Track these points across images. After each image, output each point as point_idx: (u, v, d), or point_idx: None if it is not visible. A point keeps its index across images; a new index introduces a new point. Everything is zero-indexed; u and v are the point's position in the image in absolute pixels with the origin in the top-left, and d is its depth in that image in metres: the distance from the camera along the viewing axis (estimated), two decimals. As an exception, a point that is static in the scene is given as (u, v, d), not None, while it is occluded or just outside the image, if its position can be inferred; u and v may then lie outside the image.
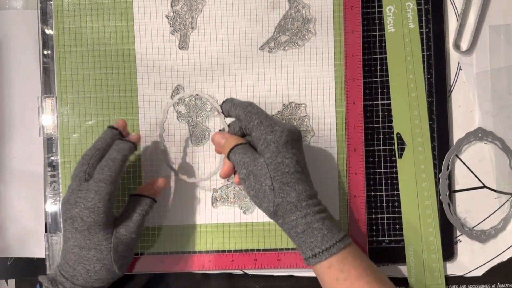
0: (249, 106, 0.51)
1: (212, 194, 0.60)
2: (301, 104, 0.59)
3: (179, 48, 0.59)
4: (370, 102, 0.60)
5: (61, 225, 0.51)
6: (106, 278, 0.51)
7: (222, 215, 0.60)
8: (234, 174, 0.52)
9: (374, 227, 0.60)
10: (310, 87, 0.59)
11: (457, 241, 0.61)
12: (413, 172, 0.59)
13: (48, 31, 0.60)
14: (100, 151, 0.51)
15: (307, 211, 0.48)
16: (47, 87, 0.60)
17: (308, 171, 0.50)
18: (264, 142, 0.49)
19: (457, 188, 0.60)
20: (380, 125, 0.60)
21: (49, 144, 0.60)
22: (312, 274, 0.60)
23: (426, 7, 0.59)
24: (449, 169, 0.60)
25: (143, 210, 0.53)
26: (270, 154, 0.48)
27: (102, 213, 0.49)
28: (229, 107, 0.52)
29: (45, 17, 0.59)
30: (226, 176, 0.52)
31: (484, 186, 0.61)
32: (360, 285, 0.47)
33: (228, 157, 0.51)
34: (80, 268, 0.50)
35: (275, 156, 0.48)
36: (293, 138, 0.49)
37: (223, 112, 0.53)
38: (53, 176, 0.60)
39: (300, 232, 0.48)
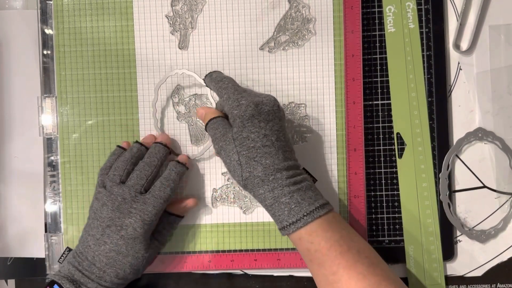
0: (221, 81, 0.53)
1: (212, 194, 0.60)
2: (301, 104, 0.59)
3: (179, 48, 0.59)
4: (370, 102, 0.60)
5: (91, 229, 0.52)
6: (129, 279, 0.54)
7: (222, 215, 0.60)
8: None
9: (374, 227, 0.60)
10: (310, 87, 0.59)
11: (457, 241, 0.61)
12: (413, 172, 0.59)
13: (48, 31, 0.60)
14: (157, 168, 0.54)
15: (274, 185, 0.48)
16: (47, 87, 0.60)
17: (285, 142, 0.50)
18: (231, 117, 0.50)
19: (457, 188, 0.60)
20: (380, 125, 0.60)
21: (49, 144, 0.60)
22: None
23: (426, 7, 0.59)
24: (449, 169, 0.60)
25: (173, 228, 0.58)
26: (236, 129, 0.49)
27: (153, 227, 0.53)
28: (207, 82, 0.55)
29: (45, 17, 0.59)
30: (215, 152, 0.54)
31: (484, 186, 0.61)
32: (332, 255, 0.47)
33: (206, 130, 0.53)
34: (111, 271, 0.52)
35: (240, 131, 0.49)
36: (261, 110, 0.49)
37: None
38: (53, 176, 0.60)
39: (269, 205, 0.49)
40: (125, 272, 0.52)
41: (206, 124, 0.53)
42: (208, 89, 0.56)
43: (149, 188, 0.54)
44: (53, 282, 0.51)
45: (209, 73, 0.56)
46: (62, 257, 0.56)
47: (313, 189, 0.49)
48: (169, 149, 0.56)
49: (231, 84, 0.52)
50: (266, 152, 0.48)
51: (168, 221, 0.57)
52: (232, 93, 0.51)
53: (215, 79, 0.54)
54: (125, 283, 0.54)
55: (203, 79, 0.56)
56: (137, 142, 0.56)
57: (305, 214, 0.47)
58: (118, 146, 0.57)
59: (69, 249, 0.57)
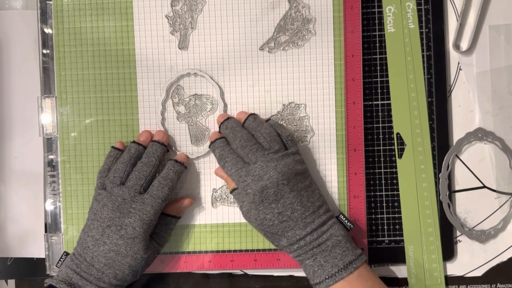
0: (224, 166, 0.54)
1: (212, 194, 0.60)
2: (301, 104, 0.59)
3: (179, 48, 0.59)
4: (370, 102, 0.60)
5: (90, 230, 0.53)
6: (127, 281, 0.54)
7: (222, 215, 0.60)
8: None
9: (374, 227, 0.60)
10: (310, 87, 0.59)
11: (457, 241, 0.61)
12: (413, 172, 0.59)
13: (47, 31, 0.60)
14: (156, 168, 0.55)
15: (299, 252, 0.52)
16: (47, 87, 0.60)
17: (303, 208, 0.52)
18: (246, 202, 0.52)
19: (457, 188, 0.60)
20: (380, 125, 0.60)
21: (49, 144, 0.60)
22: (312, 274, 0.60)
23: (426, 7, 0.59)
24: (449, 169, 0.60)
25: (169, 229, 0.58)
26: (253, 212, 0.52)
27: (152, 226, 0.54)
28: (211, 149, 0.56)
29: (44, 17, 0.59)
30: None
31: (484, 186, 0.61)
32: None
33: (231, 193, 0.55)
34: (110, 272, 0.52)
35: (257, 214, 0.52)
36: (268, 194, 0.51)
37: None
38: (52, 176, 0.60)
39: (301, 266, 0.53)
40: (124, 273, 0.52)
41: (231, 193, 0.55)
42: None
43: (148, 187, 0.54)
44: (51, 287, 0.51)
45: (211, 144, 0.56)
46: (59, 262, 0.56)
47: (342, 244, 0.51)
48: (166, 147, 0.57)
49: (234, 170, 0.53)
50: (286, 227, 0.52)
51: (165, 222, 0.57)
52: (238, 181, 0.53)
53: (218, 160, 0.55)
54: (123, 284, 0.54)
55: (208, 147, 0.56)
56: (133, 142, 0.56)
57: (326, 277, 0.50)
58: (113, 147, 0.57)
59: (66, 253, 0.57)
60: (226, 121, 0.56)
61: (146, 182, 0.54)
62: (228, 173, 0.54)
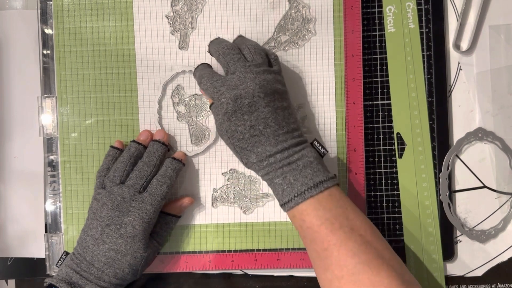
0: (201, 83, 0.53)
1: (212, 194, 0.60)
2: (301, 104, 0.59)
3: (179, 48, 0.59)
4: (370, 102, 0.60)
5: (90, 229, 0.53)
6: (127, 280, 0.54)
7: (222, 215, 0.60)
8: None
9: (374, 227, 0.60)
10: (310, 87, 0.59)
11: (457, 241, 0.61)
12: (413, 172, 0.59)
13: (48, 31, 0.60)
14: (156, 167, 0.55)
15: (268, 169, 0.50)
16: (47, 87, 0.60)
17: (276, 125, 0.50)
18: (219, 114, 0.51)
19: (457, 188, 0.60)
20: (380, 125, 0.60)
21: (49, 144, 0.60)
22: (312, 274, 0.60)
23: (426, 7, 0.59)
24: (449, 169, 0.60)
25: (170, 228, 0.58)
26: (225, 124, 0.50)
27: (152, 225, 0.54)
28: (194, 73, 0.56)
29: (45, 17, 0.59)
30: None
31: (484, 186, 0.61)
32: (323, 233, 0.48)
33: (210, 109, 0.53)
34: (110, 271, 0.52)
35: (228, 125, 0.50)
36: (241, 104, 0.49)
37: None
38: (53, 176, 0.60)
39: (268, 185, 0.51)
40: (124, 272, 0.52)
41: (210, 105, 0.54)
42: None
43: (147, 186, 0.54)
44: (51, 286, 0.51)
45: (195, 70, 0.55)
46: (59, 261, 0.56)
47: (313, 165, 0.49)
48: (167, 147, 0.57)
49: (209, 83, 0.51)
50: (256, 141, 0.50)
51: (165, 221, 0.57)
52: (212, 92, 0.51)
53: (198, 78, 0.54)
54: (123, 283, 0.54)
55: (193, 74, 0.57)
56: (133, 141, 0.56)
57: (295, 195, 0.48)
58: (112, 146, 0.57)
59: (66, 253, 0.57)
60: (215, 39, 0.55)
61: (147, 181, 0.54)
62: (204, 88, 0.52)
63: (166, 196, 0.54)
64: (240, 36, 0.56)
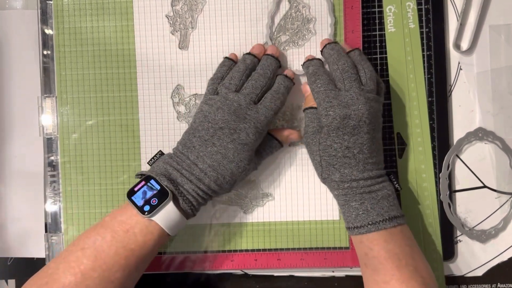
0: (314, 82, 0.53)
1: (212, 194, 0.59)
2: (302, 104, 0.59)
3: (179, 48, 0.59)
4: (370, 102, 0.60)
5: (198, 131, 0.52)
6: (223, 190, 0.53)
7: (222, 215, 0.59)
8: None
9: (374, 227, 0.60)
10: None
11: (457, 241, 0.61)
12: (413, 172, 0.59)
13: (48, 31, 0.60)
14: (270, 80, 0.54)
15: (348, 191, 0.51)
16: (47, 87, 0.60)
17: (369, 154, 0.51)
18: (318, 124, 0.53)
19: (457, 188, 0.60)
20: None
21: (49, 144, 0.60)
22: (312, 274, 0.60)
23: (426, 7, 0.59)
24: (449, 169, 0.60)
25: (271, 152, 0.57)
26: (322, 135, 0.52)
27: (262, 137, 0.54)
28: (304, 70, 0.56)
29: (45, 17, 0.59)
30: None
31: (484, 186, 0.61)
32: (389, 266, 0.49)
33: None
34: (212, 174, 0.51)
35: (325, 138, 0.52)
36: (347, 124, 0.51)
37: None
38: (53, 176, 0.60)
39: (340, 205, 0.52)
40: (224, 180, 0.52)
41: (304, 109, 0.55)
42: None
43: (260, 99, 0.54)
44: (150, 177, 0.50)
45: (306, 62, 0.55)
46: (152, 159, 0.54)
47: (390, 199, 0.51)
48: (279, 62, 0.56)
49: (323, 88, 0.52)
50: (346, 163, 0.51)
51: (270, 144, 0.57)
52: (323, 100, 0.52)
53: (309, 75, 0.54)
54: (218, 193, 0.53)
55: (302, 65, 0.57)
56: (248, 53, 0.56)
57: (370, 223, 0.50)
58: (226, 57, 0.57)
59: (161, 153, 0.55)
60: (333, 43, 0.55)
61: (261, 92, 0.53)
62: (316, 89, 0.53)
63: (278, 112, 0.54)
64: (358, 49, 0.55)
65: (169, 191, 0.49)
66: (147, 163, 0.55)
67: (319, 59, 0.56)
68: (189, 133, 0.53)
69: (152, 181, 0.50)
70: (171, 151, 0.54)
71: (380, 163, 0.53)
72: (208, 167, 0.51)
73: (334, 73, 0.53)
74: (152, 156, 0.55)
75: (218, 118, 0.52)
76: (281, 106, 0.54)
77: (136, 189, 0.50)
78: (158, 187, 0.50)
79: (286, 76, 0.55)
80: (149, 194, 0.49)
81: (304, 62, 0.56)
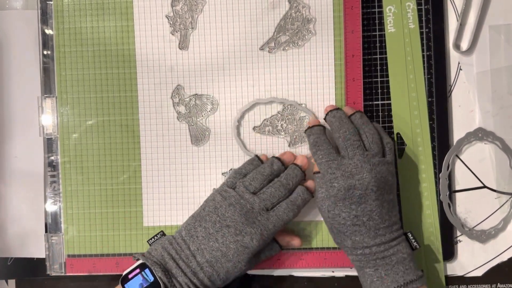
0: (315, 153, 0.53)
1: (212, 194, 0.59)
2: (301, 104, 0.59)
3: (179, 48, 0.59)
4: (370, 102, 0.60)
5: (205, 221, 0.52)
6: (215, 286, 0.53)
7: (222, 215, 0.59)
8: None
9: (374, 227, 0.60)
10: (310, 87, 0.59)
11: (457, 241, 0.61)
12: (413, 172, 0.59)
13: (48, 31, 0.60)
14: (290, 192, 0.54)
15: (361, 258, 0.51)
16: (47, 87, 0.60)
17: (379, 219, 0.51)
18: (325, 191, 0.52)
19: (457, 188, 0.60)
20: (380, 125, 0.59)
21: (49, 144, 0.60)
22: (312, 274, 0.60)
23: (426, 7, 0.59)
24: (449, 169, 0.60)
25: (270, 254, 0.56)
26: (329, 203, 0.52)
27: (265, 245, 0.53)
28: (307, 136, 0.56)
29: (45, 17, 0.59)
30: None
31: (484, 186, 0.61)
32: None
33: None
34: (208, 270, 0.51)
35: (332, 208, 0.51)
36: (353, 195, 0.50)
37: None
38: (53, 176, 0.60)
39: (356, 270, 0.53)
40: (219, 277, 0.52)
41: (314, 173, 0.55)
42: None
43: (274, 206, 0.53)
44: (144, 265, 0.50)
45: (308, 129, 0.55)
46: (153, 239, 0.54)
47: (406, 262, 0.51)
48: (305, 175, 0.56)
49: (325, 160, 0.52)
50: (356, 230, 0.51)
51: (270, 247, 0.56)
52: (326, 171, 0.52)
53: (311, 146, 0.54)
54: (210, 287, 0.53)
55: (304, 132, 0.57)
56: (277, 158, 0.56)
57: None
58: (257, 156, 0.57)
59: (162, 233, 0.55)
60: (335, 110, 0.55)
61: (278, 201, 0.53)
62: (318, 161, 0.53)
63: (288, 223, 0.54)
64: (358, 112, 0.55)
65: (161, 284, 0.50)
66: (147, 241, 0.55)
67: (320, 126, 0.55)
68: (196, 219, 0.53)
69: (147, 271, 0.50)
70: (172, 235, 0.54)
71: (395, 224, 0.52)
72: (206, 262, 0.51)
73: (336, 141, 0.53)
74: (154, 235, 0.55)
75: (227, 215, 0.52)
76: (293, 218, 0.54)
77: (130, 276, 0.50)
78: (152, 279, 0.50)
79: (307, 188, 0.54)
80: (143, 285, 0.50)
81: (306, 130, 0.56)
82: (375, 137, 0.53)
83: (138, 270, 0.50)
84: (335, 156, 0.52)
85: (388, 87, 0.59)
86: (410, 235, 0.53)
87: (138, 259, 0.51)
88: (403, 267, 0.50)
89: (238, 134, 0.59)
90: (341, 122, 0.54)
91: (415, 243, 0.53)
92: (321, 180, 0.52)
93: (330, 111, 0.55)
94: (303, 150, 0.59)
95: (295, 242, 0.57)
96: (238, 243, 0.51)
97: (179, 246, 0.52)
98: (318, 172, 0.53)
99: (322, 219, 0.59)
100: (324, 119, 0.56)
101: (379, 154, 0.52)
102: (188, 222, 0.54)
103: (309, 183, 0.55)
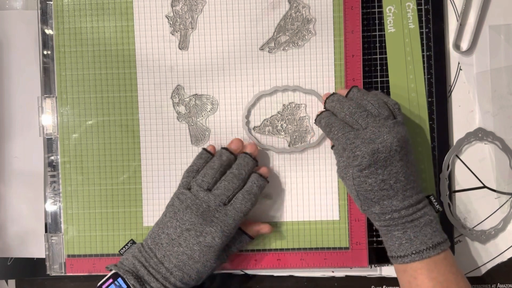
0: (330, 132, 0.53)
1: (212, 194, 0.59)
2: (301, 104, 0.59)
3: (179, 48, 0.59)
4: (370, 102, 0.60)
5: (167, 227, 0.53)
6: (190, 286, 0.53)
7: (222, 215, 0.59)
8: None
9: (374, 227, 0.60)
10: (310, 87, 0.59)
11: (457, 241, 0.61)
12: (413, 172, 0.59)
13: (48, 31, 0.60)
14: (244, 181, 0.54)
15: (389, 223, 0.51)
16: (47, 87, 0.60)
17: (406, 181, 0.50)
18: (346, 160, 0.51)
19: (457, 188, 0.60)
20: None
21: (49, 144, 0.60)
22: (311, 274, 0.60)
23: (426, 7, 0.59)
24: (449, 169, 0.60)
25: (241, 246, 0.57)
26: (353, 171, 0.51)
27: (229, 239, 0.54)
28: (317, 123, 0.56)
29: (45, 17, 0.59)
30: None
31: (484, 186, 0.61)
32: None
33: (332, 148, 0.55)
34: (178, 274, 0.52)
35: (357, 176, 0.51)
36: (377, 159, 0.49)
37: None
38: (53, 176, 0.60)
39: (382, 234, 0.53)
40: (190, 278, 0.52)
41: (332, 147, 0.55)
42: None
43: (232, 199, 0.53)
44: (117, 275, 0.51)
45: (317, 117, 0.55)
46: (123, 248, 0.56)
47: (433, 224, 0.51)
48: (257, 162, 0.56)
49: (341, 133, 0.52)
50: (384, 195, 0.50)
51: (240, 239, 0.56)
52: (345, 144, 0.51)
53: (324, 129, 0.54)
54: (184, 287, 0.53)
55: (314, 122, 0.57)
56: (225, 149, 0.56)
57: (413, 252, 0.50)
58: (204, 149, 0.56)
59: (132, 241, 0.56)
60: (331, 96, 0.55)
61: (233, 194, 0.53)
62: (335, 137, 0.52)
63: (248, 213, 0.54)
64: (355, 87, 0.55)
65: None
66: (119, 251, 0.57)
67: (327, 110, 0.55)
68: (159, 227, 0.54)
69: (120, 280, 0.51)
70: (141, 242, 0.55)
71: (418, 186, 0.52)
72: (174, 267, 0.52)
73: (345, 120, 0.53)
74: (124, 244, 0.57)
75: (186, 219, 0.52)
76: (251, 207, 0.53)
77: (104, 286, 0.51)
78: (125, 287, 0.51)
79: (260, 175, 0.55)
80: None
81: (316, 119, 0.56)
82: (380, 102, 0.52)
83: (111, 280, 0.51)
84: (350, 128, 0.52)
85: (388, 87, 0.59)
86: (433, 198, 0.53)
87: (111, 270, 0.52)
88: (431, 229, 0.50)
89: (249, 130, 0.59)
90: (341, 103, 0.53)
91: (437, 206, 0.53)
92: (341, 151, 0.52)
93: (327, 98, 0.55)
94: (304, 150, 0.59)
95: (265, 229, 0.57)
96: (201, 244, 0.52)
97: (147, 254, 0.53)
98: (334, 146, 0.53)
99: (321, 218, 0.59)
100: (325, 108, 0.56)
101: (390, 116, 0.52)
102: (153, 230, 0.54)
103: (262, 170, 0.56)
